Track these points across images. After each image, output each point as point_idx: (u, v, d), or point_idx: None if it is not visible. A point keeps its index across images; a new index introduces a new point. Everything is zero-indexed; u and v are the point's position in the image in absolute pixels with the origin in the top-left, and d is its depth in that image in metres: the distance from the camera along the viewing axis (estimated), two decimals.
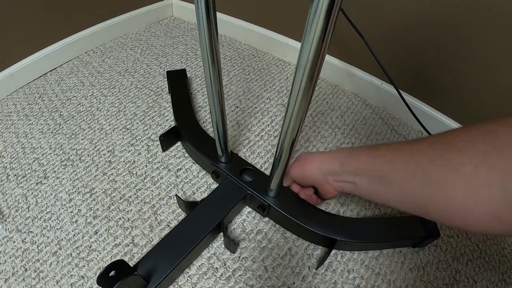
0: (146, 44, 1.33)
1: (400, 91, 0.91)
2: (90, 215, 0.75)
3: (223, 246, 0.70)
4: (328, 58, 1.12)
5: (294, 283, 0.66)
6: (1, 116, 0.99)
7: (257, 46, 1.33)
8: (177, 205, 0.76)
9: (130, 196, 0.78)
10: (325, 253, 0.69)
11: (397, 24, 0.91)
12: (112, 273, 0.53)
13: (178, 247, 0.63)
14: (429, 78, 0.93)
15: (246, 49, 1.32)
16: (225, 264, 0.67)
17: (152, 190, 0.79)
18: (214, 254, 0.69)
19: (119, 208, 0.76)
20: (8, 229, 0.72)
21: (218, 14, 1.28)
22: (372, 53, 0.88)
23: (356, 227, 0.70)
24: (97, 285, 0.52)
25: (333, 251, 0.70)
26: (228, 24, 1.36)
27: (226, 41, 1.36)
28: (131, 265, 0.59)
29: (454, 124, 0.93)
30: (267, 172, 0.78)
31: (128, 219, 0.74)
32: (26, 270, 0.66)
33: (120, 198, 0.78)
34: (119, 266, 0.53)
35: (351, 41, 1.03)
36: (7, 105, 1.03)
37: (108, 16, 1.32)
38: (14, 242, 0.70)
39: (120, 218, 0.74)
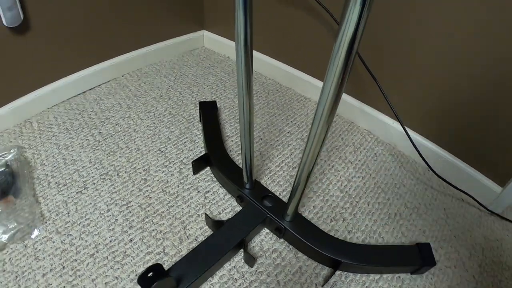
0: (179, 73, 1.47)
1: (408, 129, 1.01)
2: (126, 225, 0.86)
3: (242, 260, 0.80)
4: (345, 96, 1.24)
5: None
6: (43, 127, 1.12)
7: (281, 81, 1.45)
8: (205, 223, 0.87)
9: (163, 212, 0.89)
10: (331, 273, 0.79)
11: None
12: (150, 274, 0.64)
13: (205, 258, 0.74)
14: (439, 119, 1.04)
15: (270, 84, 1.44)
16: (243, 276, 0.77)
17: (182, 208, 0.90)
18: (234, 267, 0.79)
19: (152, 221, 0.87)
20: (48, 230, 0.83)
21: None
22: (383, 94, 0.98)
23: (359, 251, 0.79)
24: (129, 286, 0.63)
25: (338, 272, 0.80)
26: (256, 59, 1.49)
27: (253, 74, 1.49)
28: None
29: (461, 164, 1.03)
30: (285, 199, 0.89)
31: (160, 231, 0.85)
32: (63, 267, 0.77)
33: (154, 213, 0.89)
34: (156, 269, 0.64)
35: (366, 83, 1.15)
36: (48, 117, 1.16)
37: (145, 43, 1.47)
38: (53, 242, 0.81)
39: (153, 230, 0.85)
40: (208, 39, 1.69)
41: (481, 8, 0.83)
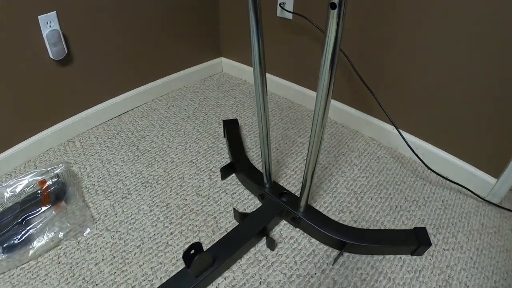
0: (203, 96, 1.67)
1: (406, 133, 1.16)
2: (166, 221, 1.03)
3: (265, 246, 0.97)
4: (349, 109, 1.42)
5: (315, 273, 0.90)
6: (85, 145, 1.32)
7: (293, 99, 1.64)
8: (233, 217, 1.04)
9: (197, 210, 1.07)
10: (338, 253, 0.94)
11: None
12: (192, 251, 0.81)
13: (235, 242, 0.91)
14: (433, 121, 1.19)
15: (284, 102, 1.63)
16: (266, 258, 0.94)
17: (214, 207, 1.08)
18: (258, 251, 0.95)
19: (189, 218, 1.04)
20: (98, 228, 1.01)
21: None
22: (379, 103, 1.14)
23: (362, 234, 0.95)
24: (172, 269, 0.82)
25: (346, 254, 0.95)
26: (270, 81, 1.68)
27: (268, 95, 1.66)
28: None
29: (456, 160, 1.17)
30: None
31: (196, 225, 1.02)
32: (114, 257, 0.93)
33: (190, 211, 1.06)
34: (197, 246, 0.81)
35: (366, 95, 1.32)
36: (89, 137, 1.37)
37: (171, 71, 1.68)
38: (104, 238, 0.98)
39: (190, 225, 1.02)
40: (226, 65, 1.90)
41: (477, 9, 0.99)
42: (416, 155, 1.14)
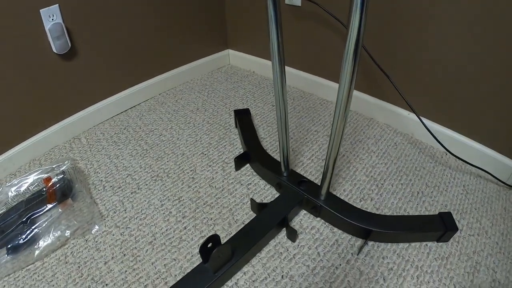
0: (211, 88, 1.62)
1: (423, 118, 1.11)
2: (179, 216, 0.98)
3: (285, 237, 0.91)
4: (362, 95, 1.37)
5: (340, 264, 0.85)
6: (91, 141, 1.28)
7: (304, 88, 1.59)
8: (250, 208, 0.99)
9: (212, 203, 1.01)
10: (363, 242, 0.89)
11: None
12: (209, 245, 0.76)
13: (254, 234, 0.86)
14: (451, 105, 1.14)
15: (295, 92, 1.58)
16: (287, 250, 0.88)
17: (229, 199, 1.02)
18: (279, 243, 0.90)
19: (203, 211, 0.99)
20: (107, 225, 0.96)
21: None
22: (396, 88, 1.09)
23: (387, 222, 0.90)
24: (187, 265, 0.75)
25: (371, 243, 0.90)
26: None
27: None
28: None
29: (475, 144, 1.13)
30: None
31: (211, 218, 0.97)
32: (124, 255, 0.89)
33: (204, 204, 1.01)
34: (215, 239, 0.76)
35: (381, 81, 1.27)
36: (95, 134, 1.32)
37: (178, 65, 1.64)
38: (113, 235, 0.94)
39: (204, 218, 0.97)
40: (233, 56, 1.85)
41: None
42: (436, 139, 1.08)
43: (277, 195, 1.03)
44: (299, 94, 1.56)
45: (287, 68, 1.56)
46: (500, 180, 1.07)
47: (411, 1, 1.07)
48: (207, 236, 0.76)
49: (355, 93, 1.38)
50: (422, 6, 1.05)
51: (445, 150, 1.11)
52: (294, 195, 0.95)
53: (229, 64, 1.88)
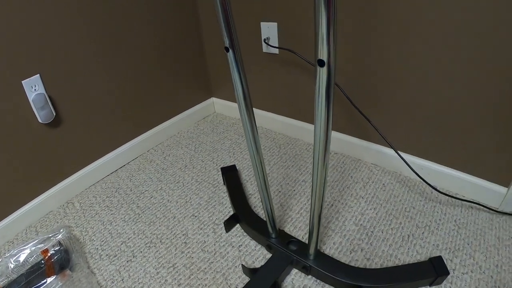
0: (198, 141, 1.66)
1: (409, 155, 1.13)
2: (175, 283, 0.99)
3: None
4: (349, 138, 1.40)
5: None
6: (85, 206, 1.31)
7: (289, 134, 1.62)
8: (242, 272, 1.00)
9: (205, 268, 1.03)
10: None
11: None
12: None
13: None
14: (434, 139, 1.16)
15: (281, 138, 1.61)
16: None
17: (221, 262, 1.04)
18: None
19: (197, 277, 1.01)
20: None
21: (256, 110, 1.62)
22: (377, 130, 1.12)
23: (377, 275, 0.91)
24: None
25: None
26: (265, 118, 1.67)
27: (263, 132, 1.67)
28: None
29: (463, 175, 1.14)
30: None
31: (205, 284, 0.98)
32: None
33: (197, 270, 1.03)
34: None
35: (364, 123, 1.30)
36: (88, 197, 1.35)
37: (163, 119, 1.68)
38: None
39: (199, 284, 0.98)
40: (218, 104, 1.91)
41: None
42: (421, 177, 1.10)
43: (269, 255, 1.04)
44: (285, 140, 1.59)
45: (272, 115, 1.61)
46: (491, 209, 1.09)
47: (390, 46, 1.11)
48: None
49: (341, 136, 1.41)
50: (401, 46, 1.10)
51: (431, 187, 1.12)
52: (284, 257, 0.97)
53: (214, 113, 1.93)
